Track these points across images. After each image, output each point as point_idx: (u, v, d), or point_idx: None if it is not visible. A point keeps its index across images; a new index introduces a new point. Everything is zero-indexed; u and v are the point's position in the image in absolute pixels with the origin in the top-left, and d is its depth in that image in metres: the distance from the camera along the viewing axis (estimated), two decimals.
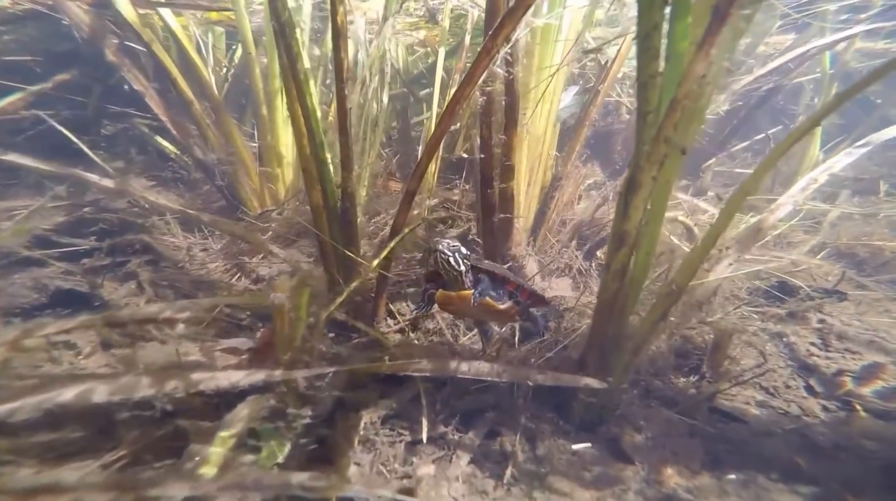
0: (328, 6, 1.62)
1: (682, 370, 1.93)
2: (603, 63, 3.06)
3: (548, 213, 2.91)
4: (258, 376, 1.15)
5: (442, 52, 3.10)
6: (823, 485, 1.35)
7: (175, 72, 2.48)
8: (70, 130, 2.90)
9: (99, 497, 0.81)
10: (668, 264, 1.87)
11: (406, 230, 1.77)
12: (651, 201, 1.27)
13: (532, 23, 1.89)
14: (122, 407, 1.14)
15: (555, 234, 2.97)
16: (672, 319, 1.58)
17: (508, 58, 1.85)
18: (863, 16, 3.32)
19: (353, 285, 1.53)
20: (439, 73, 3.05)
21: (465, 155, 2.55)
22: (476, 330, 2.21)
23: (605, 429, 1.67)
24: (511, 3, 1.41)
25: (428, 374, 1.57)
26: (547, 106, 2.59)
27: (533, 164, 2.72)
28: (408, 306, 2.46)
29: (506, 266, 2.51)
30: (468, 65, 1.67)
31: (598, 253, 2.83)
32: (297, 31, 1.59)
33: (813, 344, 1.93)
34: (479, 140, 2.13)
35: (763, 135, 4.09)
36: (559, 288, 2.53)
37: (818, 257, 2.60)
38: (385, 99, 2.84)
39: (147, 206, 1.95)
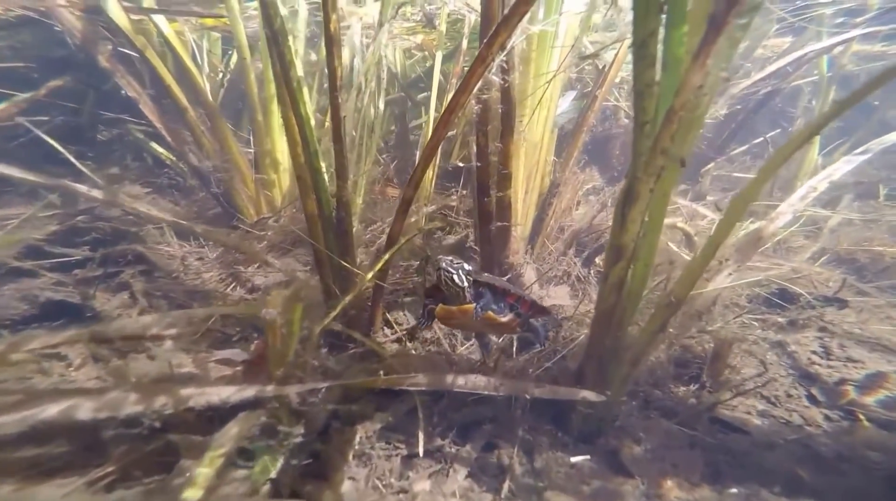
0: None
1: (682, 379, 1.90)
2: (601, 68, 3.05)
3: (546, 220, 2.89)
4: (249, 392, 1.12)
5: (439, 56, 3.09)
6: (827, 498, 1.32)
7: (169, 78, 2.47)
8: (64, 136, 2.88)
9: None
10: (667, 274, 1.85)
11: (402, 241, 1.75)
12: (649, 212, 1.25)
13: (528, 30, 1.87)
14: (110, 422, 1.12)
15: (553, 241, 2.95)
16: (671, 330, 1.55)
17: (504, 65, 1.84)
18: (859, 19, 3.31)
19: (348, 298, 1.50)
20: (436, 77, 3.04)
21: (460, 164, 2.52)
22: (473, 340, 2.19)
23: (604, 441, 1.65)
24: (506, 11, 1.40)
25: (423, 388, 1.55)
26: (544, 112, 2.58)
27: (530, 170, 2.70)
28: (405, 315, 2.44)
29: (505, 277, 2.49)
30: (465, 68, 1.66)
31: (597, 260, 2.81)
32: (290, 38, 1.57)
33: (814, 353, 1.91)
34: (475, 148, 2.12)
35: (762, 138, 4.08)
36: (557, 296, 2.51)
37: (818, 263, 2.58)
38: (381, 105, 2.82)
39: (133, 217, 1.92)
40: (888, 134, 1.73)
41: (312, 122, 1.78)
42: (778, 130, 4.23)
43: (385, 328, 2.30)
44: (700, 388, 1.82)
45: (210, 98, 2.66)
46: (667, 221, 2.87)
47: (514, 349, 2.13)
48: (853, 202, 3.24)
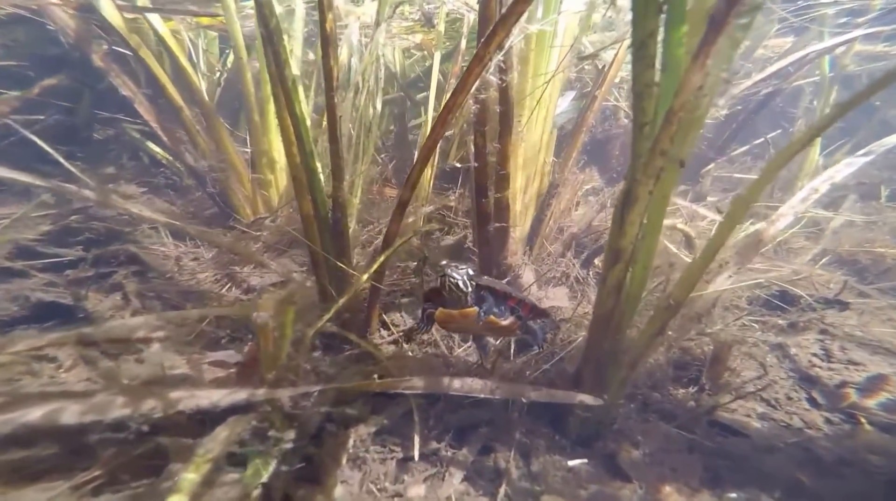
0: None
1: (681, 382, 1.88)
2: (600, 68, 3.03)
3: (545, 221, 2.86)
4: (240, 395, 1.11)
5: (437, 55, 3.07)
6: None
7: (164, 77, 2.44)
8: (59, 136, 2.86)
9: None
10: (666, 276, 1.83)
11: (399, 243, 1.73)
12: (647, 215, 1.23)
13: (526, 29, 1.85)
14: (99, 425, 1.10)
15: (552, 242, 2.93)
16: (670, 332, 1.53)
17: (502, 65, 1.82)
18: (861, 19, 3.29)
19: (343, 299, 1.48)
20: (435, 76, 3.02)
21: (458, 164, 2.51)
22: (471, 342, 2.17)
23: (602, 444, 1.63)
24: (504, 10, 1.38)
25: (420, 391, 1.53)
26: (543, 112, 2.56)
27: (529, 171, 2.68)
28: (402, 316, 2.42)
29: (503, 278, 2.47)
30: (464, 68, 1.65)
31: (596, 261, 2.79)
32: (286, 37, 1.55)
33: (815, 355, 1.89)
34: (473, 149, 2.10)
35: (762, 139, 4.06)
36: (556, 298, 2.49)
37: (820, 264, 2.56)
38: (379, 105, 2.80)
39: (128, 217, 1.90)
40: (890, 135, 1.71)
41: (308, 121, 1.76)
42: (779, 131, 4.21)
43: (382, 329, 2.28)
44: (699, 391, 1.80)
45: (206, 97, 2.64)
46: (667, 222, 2.85)
47: (512, 351, 2.11)
48: (855, 203, 3.22)
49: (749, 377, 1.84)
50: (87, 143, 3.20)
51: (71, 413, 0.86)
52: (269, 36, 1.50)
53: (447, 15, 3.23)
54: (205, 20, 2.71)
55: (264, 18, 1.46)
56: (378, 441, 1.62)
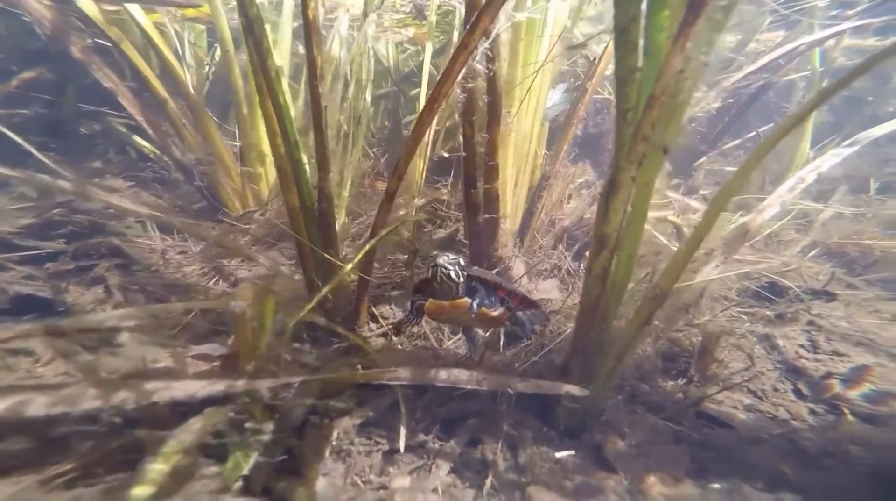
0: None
1: (669, 373, 1.88)
2: (592, 60, 3.01)
3: (536, 213, 2.85)
4: (218, 386, 1.09)
5: (429, 48, 3.04)
6: (808, 494, 1.31)
7: (147, 70, 2.40)
8: (43, 130, 2.82)
9: None
10: (653, 267, 1.82)
11: (383, 232, 1.71)
12: (632, 202, 1.22)
13: (513, 17, 1.83)
14: (68, 417, 1.08)
15: (543, 235, 2.92)
16: (657, 323, 1.53)
17: (489, 54, 1.80)
18: (851, 12, 3.28)
19: (326, 288, 1.46)
20: (427, 70, 2.99)
21: (446, 154, 2.49)
22: (460, 334, 2.16)
23: (589, 436, 1.62)
24: None
25: (404, 382, 1.52)
26: (533, 104, 2.54)
27: (520, 163, 2.66)
28: (391, 309, 2.41)
29: (493, 270, 2.46)
30: None
31: (587, 254, 2.78)
32: (271, 28, 1.52)
33: (801, 346, 1.89)
34: (461, 139, 2.08)
35: (755, 133, 4.06)
36: (546, 290, 2.48)
37: (809, 256, 2.57)
38: (368, 97, 2.77)
39: (113, 210, 1.87)
40: (875, 126, 1.71)
41: (292, 112, 1.74)
42: (771, 125, 4.21)
43: (371, 322, 2.26)
44: (687, 382, 1.80)
45: (191, 90, 2.61)
46: (657, 214, 2.87)
47: (502, 343, 2.11)
48: (845, 196, 3.23)
49: (737, 368, 1.84)
50: (73, 137, 3.16)
51: (38, 406, 0.83)
52: (250, 25, 1.47)
53: (439, 7, 3.20)
54: (190, 12, 2.67)
55: (244, 7, 1.43)
56: (364, 433, 1.60)
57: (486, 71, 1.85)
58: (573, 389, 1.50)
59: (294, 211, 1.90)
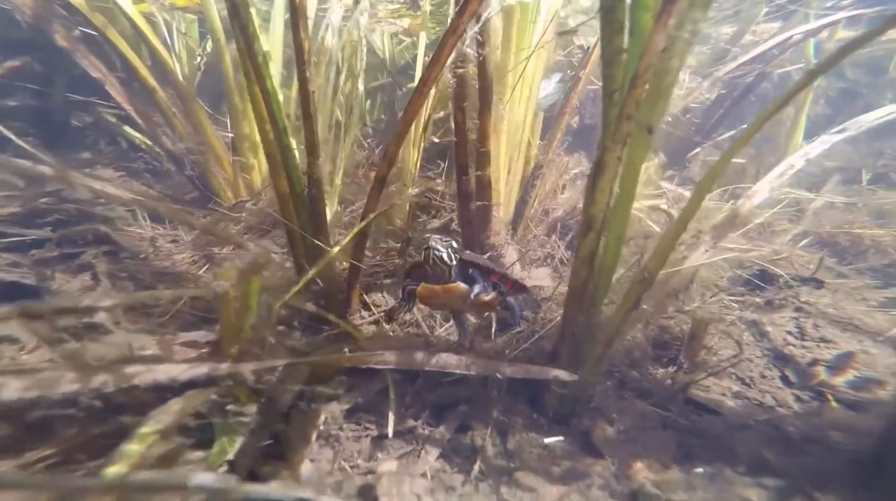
0: None
1: (660, 360, 1.89)
2: (587, 49, 2.99)
3: (529, 202, 2.85)
4: (201, 369, 1.08)
5: (423, 39, 3.01)
6: (789, 479, 1.31)
7: (135, 59, 2.37)
8: (33, 120, 2.78)
9: None
10: (642, 252, 1.82)
11: (371, 216, 1.70)
12: (619, 183, 1.22)
13: (504, 1, 1.81)
14: (56, 402, 1.08)
15: (537, 224, 2.91)
16: (646, 308, 1.53)
17: (479, 38, 1.79)
18: (845, 2, 3.27)
19: (313, 271, 1.46)
20: (421, 60, 2.97)
21: (436, 140, 2.47)
22: (452, 321, 2.16)
23: (578, 422, 1.63)
24: None
25: (392, 367, 1.52)
26: (526, 91, 2.52)
27: (513, 152, 2.65)
28: (384, 297, 2.40)
29: (485, 255, 2.46)
30: None
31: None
32: (253, 10, 1.50)
33: (789, 333, 1.90)
34: (453, 125, 2.07)
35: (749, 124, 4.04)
36: (538, 277, 2.48)
37: (801, 245, 2.57)
38: (361, 86, 2.75)
39: (97, 197, 1.85)
40: (863, 114, 1.70)
41: (280, 97, 1.72)
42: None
43: (363, 310, 2.26)
44: (677, 369, 1.81)
45: (181, 79, 2.58)
46: (651, 203, 2.86)
47: (493, 330, 2.11)
48: (837, 186, 3.24)
49: (726, 355, 1.85)
50: (63, 128, 3.13)
51: (12, 390, 0.82)
52: (235, 9, 1.46)
53: None
54: (180, 1, 2.63)
55: None
56: (353, 418, 1.60)
57: (477, 55, 1.84)
58: (561, 373, 1.50)
59: (284, 197, 1.89)
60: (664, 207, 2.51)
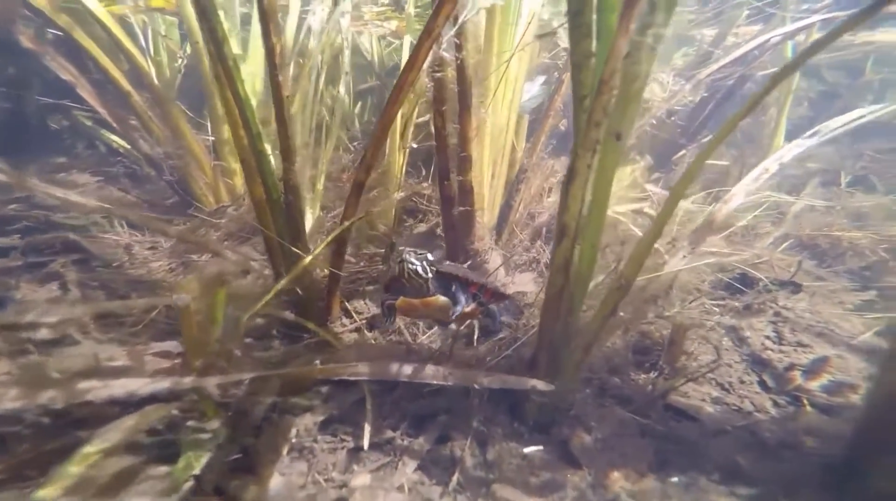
0: None
1: (641, 366, 1.88)
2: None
3: (514, 207, 2.83)
4: (163, 384, 1.05)
5: (407, 40, 2.99)
6: (762, 486, 1.31)
7: (105, 60, 2.31)
8: (8, 124, 2.71)
9: None
10: (619, 258, 1.81)
11: (346, 223, 1.68)
12: (592, 190, 1.20)
13: (479, 4, 1.80)
14: (9, 418, 1.03)
15: (522, 229, 2.90)
16: (623, 314, 1.51)
17: (457, 42, 1.77)
18: (818, 5, 3.32)
19: (284, 281, 1.42)
20: (405, 61, 2.94)
21: (414, 145, 2.45)
22: (435, 328, 2.14)
23: (558, 430, 1.61)
24: None
25: (366, 378, 1.49)
26: (509, 94, 2.51)
27: (496, 155, 2.63)
28: (366, 304, 2.37)
29: (469, 263, 2.44)
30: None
31: None
32: (222, 13, 1.47)
33: (767, 338, 1.90)
34: (433, 130, 2.05)
35: None
36: (522, 283, 2.47)
37: (781, 248, 2.59)
38: (342, 88, 2.72)
39: (64, 203, 1.80)
40: (836, 117, 1.71)
41: (254, 102, 1.69)
42: (749, 119, 4.24)
43: (344, 317, 2.22)
44: (658, 375, 1.80)
45: (156, 82, 2.53)
46: (635, 206, 2.86)
47: (475, 337, 2.08)
48: (816, 189, 3.27)
49: (705, 360, 1.84)
50: (39, 132, 3.06)
51: None
52: (203, 12, 1.42)
53: None
54: (156, 2, 2.58)
55: None
56: (328, 430, 1.57)
57: (455, 59, 1.82)
58: (538, 383, 1.48)
59: (260, 204, 1.85)
60: (648, 210, 2.51)
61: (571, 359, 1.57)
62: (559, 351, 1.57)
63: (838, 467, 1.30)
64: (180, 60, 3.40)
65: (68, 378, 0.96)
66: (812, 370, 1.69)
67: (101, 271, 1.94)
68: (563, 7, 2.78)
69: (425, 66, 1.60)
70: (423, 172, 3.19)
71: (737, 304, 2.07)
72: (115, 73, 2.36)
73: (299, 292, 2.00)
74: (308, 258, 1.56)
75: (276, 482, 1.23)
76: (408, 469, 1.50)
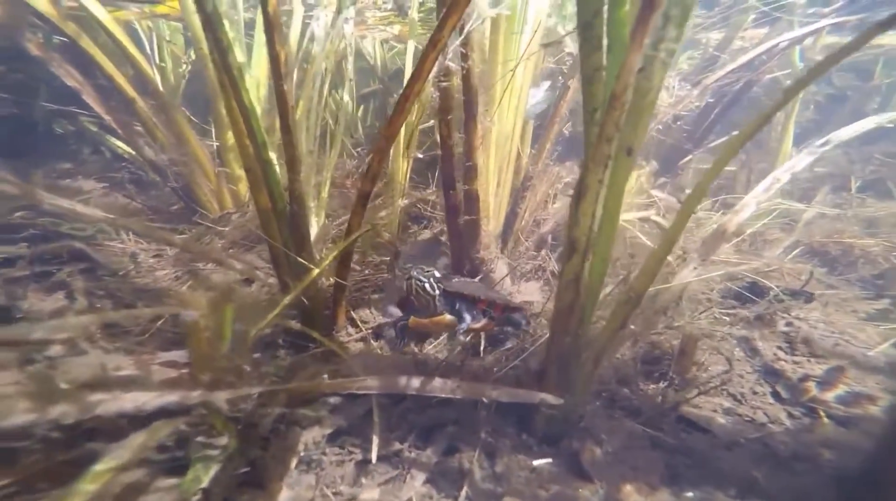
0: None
1: (651, 377, 1.85)
2: (577, 57, 2.97)
3: (519, 214, 2.82)
4: (171, 397, 1.04)
5: (411, 46, 2.99)
6: (777, 499, 1.28)
7: (110, 67, 2.32)
8: (15, 130, 2.73)
9: None
10: (629, 270, 1.79)
11: (353, 236, 1.67)
12: (603, 205, 1.19)
13: (486, 14, 1.79)
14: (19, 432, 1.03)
15: (528, 236, 2.88)
16: (633, 327, 1.50)
17: (463, 51, 1.76)
18: (827, 10, 3.29)
19: (291, 296, 1.42)
20: (409, 68, 2.94)
21: (420, 155, 2.44)
22: (442, 337, 2.13)
23: (568, 443, 1.59)
24: None
25: (374, 392, 1.48)
26: (514, 102, 2.50)
27: (502, 163, 2.62)
28: (371, 313, 2.36)
29: (476, 273, 2.43)
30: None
31: None
32: (227, 23, 1.47)
33: (780, 348, 1.87)
34: (438, 139, 2.04)
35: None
36: (528, 292, 2.45)
37: (792, 256, 2.56)
38: (346, 95, 2.72)
39: (69, 214, 1.80)
40: (848, 125, 1.69)
41: (259, 111, 1.69)
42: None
43: (350, 326, 2.22)
44: (668, 385, 1.78)
45: (160, 88, 2.53)
46: (642, 214, 2.84)
47: (482, 348, 2.07)
48: (827, 195, 3.23)
49: (716, 371, 1.82)
50: (47, 137, 3.07)
51: None
52: (208, 20, 1.41)
53: (421, 4, 3.15)
54: (161, 8, 2.59)
55: (201, 2, 1.37)
56: (337, 442, 1.56)
57: (461, 69, 1.81)
58: (548, 397, 1.46)
59: (266, 214, 1.85)
60: (655, 217, 2.49)
61: (581, 372, 1.56)
62: (569, 364, 1.55)
63: (857, 480, 1.27)
64: (185, 66, 3.41)
65: (77, 389, 0.95)
66: (827, 381, 1.66)
67: (107, 280, 1.94)
68: (569, 12, 2.77)
69: (430, 76, 1.60)
70: (427, 176, 3.19)
71: (748, 314, 2.05)
72: (120, 79, 2.37)
73: (305, 301, 1.99)
74: (314, 274, 1.55)
75: (284, 495, 1.22)
76: (416, 482, 1.48)
